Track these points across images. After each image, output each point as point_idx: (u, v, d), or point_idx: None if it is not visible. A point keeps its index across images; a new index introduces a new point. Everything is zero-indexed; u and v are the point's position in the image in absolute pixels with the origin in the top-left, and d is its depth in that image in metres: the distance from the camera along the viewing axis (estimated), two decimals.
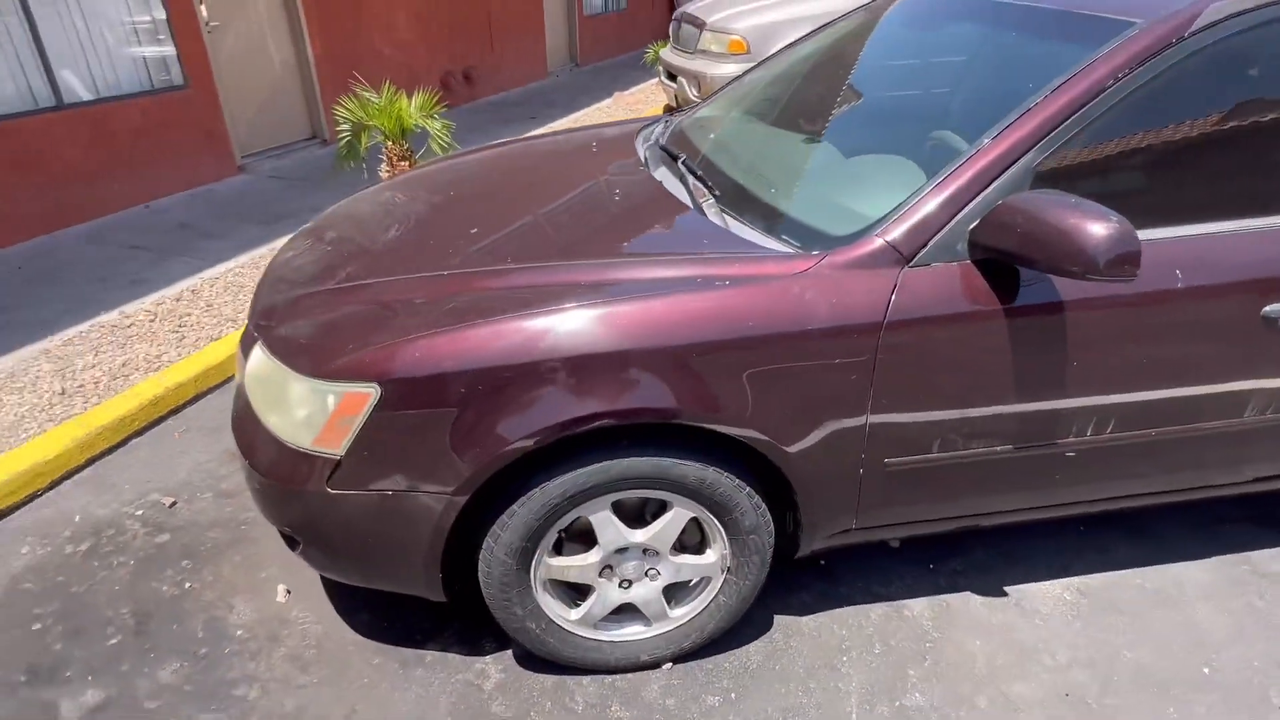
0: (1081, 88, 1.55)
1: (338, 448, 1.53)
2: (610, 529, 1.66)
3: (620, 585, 1.76)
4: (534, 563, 1.66)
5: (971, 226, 1.53)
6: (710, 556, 1.76)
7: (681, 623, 1.84)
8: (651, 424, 1.54)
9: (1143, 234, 1.60)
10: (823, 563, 2.20)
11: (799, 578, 2.15)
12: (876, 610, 2.05)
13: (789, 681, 1.85)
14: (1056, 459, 1.75)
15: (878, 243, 1.55)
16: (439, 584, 1.67)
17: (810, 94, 2.30)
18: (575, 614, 1.77)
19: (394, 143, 4.83)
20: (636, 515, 1.73)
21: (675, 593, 1.85)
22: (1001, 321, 1.55)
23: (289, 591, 2.10)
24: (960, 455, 1.69)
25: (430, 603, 1.80)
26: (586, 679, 1.86)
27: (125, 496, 2.47)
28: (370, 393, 1.48)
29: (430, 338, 1.49)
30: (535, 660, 1.89)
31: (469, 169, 2.45)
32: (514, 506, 1.57)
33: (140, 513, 2.40)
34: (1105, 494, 1.89)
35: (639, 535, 1.68)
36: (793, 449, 1.60)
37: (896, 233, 1.55)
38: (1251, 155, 1.64)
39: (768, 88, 2.48)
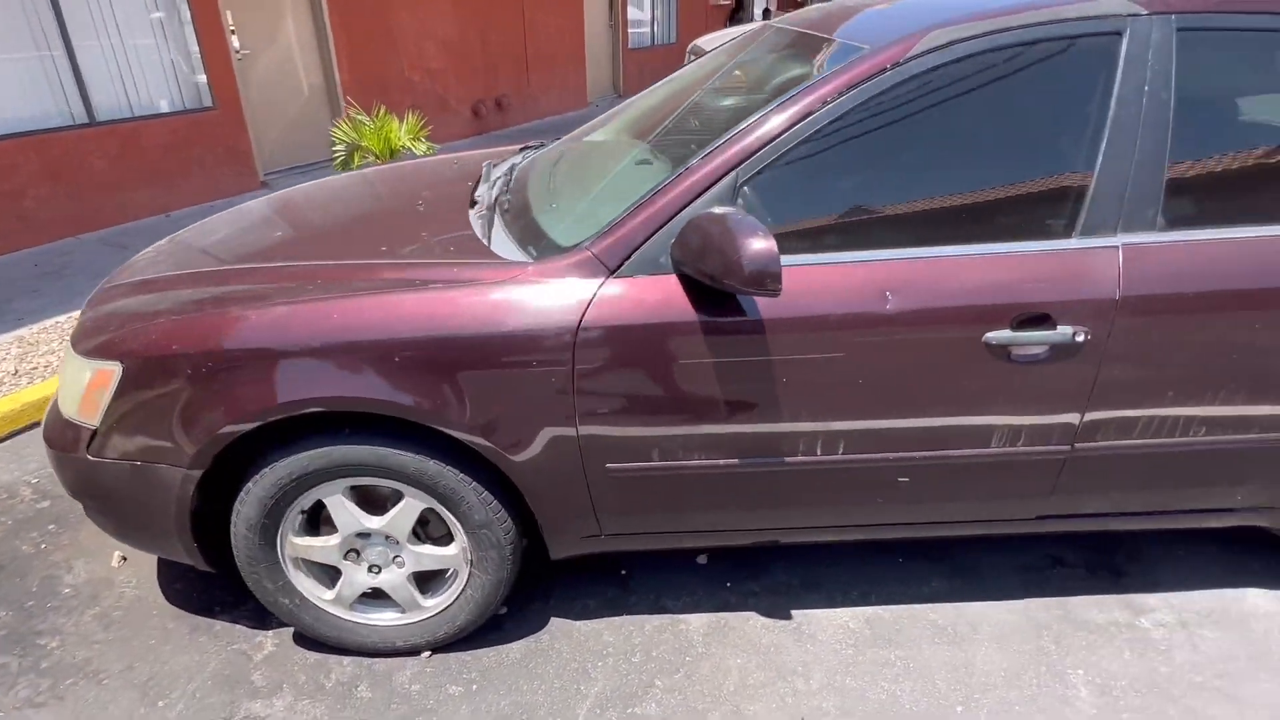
0: (790, 111, 1.59)
1: (94, 419, 1.71)
2: (344, 513, 1.77)
3: (369, 570, 1.86)
4: (279, 540, 1.79)
5: (672, 242, 1.59)
6: (452, 549, 1.84)
7: (435, 613, 1.92)
8: (379, 415, 1.66)
9: (851, 255, 1.61)
10: (624, 572, 2.24)
11: (594, 584, 2.19)
12: (655, 621, 2.07)
13: (535, 680, 1.90)
14: (791, 477, 1.76)
15: (584, 254, 1.62)
16: (196, 552, 1.82)
17: (634, 121, 2.38)
18: (329, 594, 1.89)
19: (384, 162, 5.15)
20: (384, 503, 1.83)
21: (430, 583, 1.94)
22: (700, 336, 1.59)
23: (124, 559, 2.30)
24: (684, 466, 1.72)
25: (240, 578, 1.93)
26: (348, 660, 1.96)
27: (29, 467, 2.75)
28: (115, 370, 1.66)
29: (165, 323, 1.66)
30: (310, 639, 2.01)
31: (345, 184, 2.64)
32: (249, 484, 1.71)
33: (35, 481, 2.67)
34: (858, 520, 1.87)
35: (374, 522, 1.78)
36: (513, 454, 1.67)
37: (602, 245, 1.62)
38: (964, 180, 1.63)
39: (616, 117, 2.57)
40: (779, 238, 1.62)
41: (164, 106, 5.62)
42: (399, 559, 1.85)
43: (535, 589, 2.18)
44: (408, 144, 5.16)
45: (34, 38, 4.82)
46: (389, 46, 7.40)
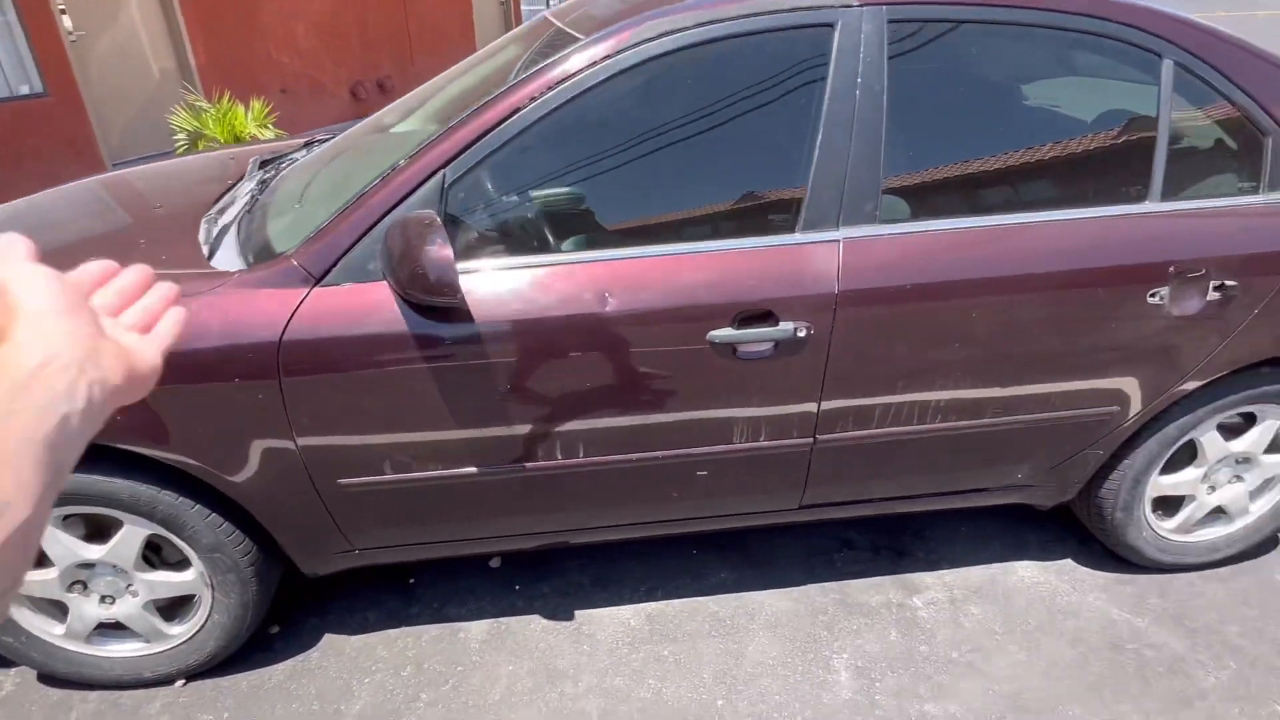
0: (499, 108, 1.53)
1: None
2: (56, 545, 1.65)
3: (102, 601, 1.75)
4: None
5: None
6: (189, 574, 1.74)
7: (183, 640, 1.82)
8: None
9: (568, 257, 1.57)
10: (411, 580, 2.18)
11: (377, 594, 2.13)
12: (434, 631, 2.02)
13: (294, 702, 1.83)
14: (537, 482, 1.72)
15: (287, 263, 1.53)
16: None
17: (415, 109, 2.28)
18: (59, 629, 1.77)
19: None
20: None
21: (180, 610, 1.84)
22: (413, 345, 1.52)
23: None
24: (420, 477, 1.66)
25: None
26: (94, 695, 1.85)
27: None
28: None
29: None
30: (52, 677, 1.88)
31: (104, 182, 2.45)
32: None
33: None
34: (614, 520, 1.85)
35: (95, 552, 1.67)
36: (231, 475, 1.58)
37: (306, 253, 1.53)
38: (683, 177, 1.61)
39: (415, 100, 2.46)
40: (492, 240, 1.56)
41: None
42: (132, 588, 1.75)
43: (312, 604, 2.10)
44: (254, 131, 4.90)
45: None
46: (251, 26, 7.01)
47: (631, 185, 1.61)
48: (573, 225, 1.60)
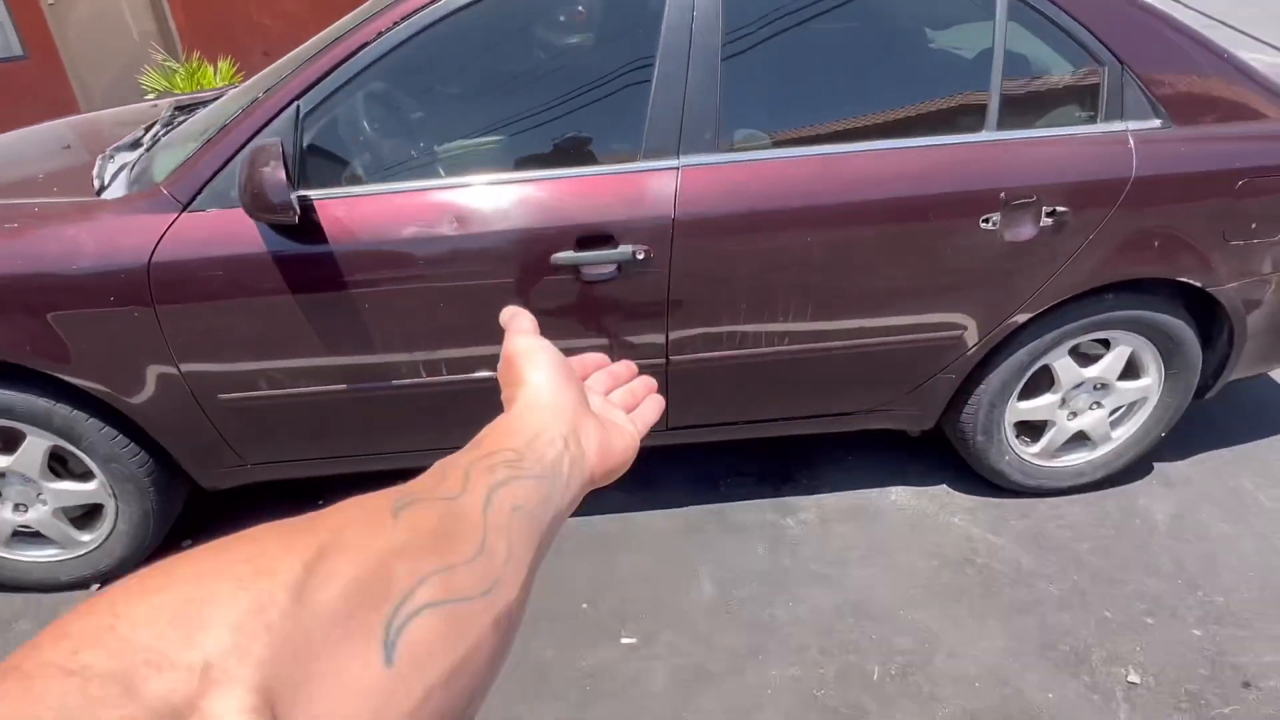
0: (348, 42, 1.63)
1: None
2: None
3: (15, 508, 1.92)
4: None
5: None
6: (93, 484, 1.90)
7: (94, 547, 1.98)
8: None
9: (418, 184, 1.68)
10: (320, 502, 2.32)
11: (288, 514, 2.28)
12: None
13: None
14: (403, 401, 1.85)
15: (157, 190, 1.66)
16: None
17: None
18: None
19: None
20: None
21: (91, 520, 2.00)
22: (272, 266, 1.64)
23: None
24: (293, 393, 1.79)
25: None
26: (19, 597, 2.02)
27: None
28: None
29: None
30: None
31: (46, 128, 2.58)
32: None
33: None
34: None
35: (2, 462, 1.83)
36: (123, 393, 1.72)
37: (174, 181, 1.66)
38: (528, 110, 1.70)
39: None
40: (346, 167, 1.68)
41: None
42: (41, 496, 1.91)
43: (225, 522, 2.25)
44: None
45: None
46: None
47: (478, 117, 1.71)
48: (428, 153, 1.71)
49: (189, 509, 2.16)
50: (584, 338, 1.79)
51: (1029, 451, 2.21)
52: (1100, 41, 1.78)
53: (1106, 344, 2.08)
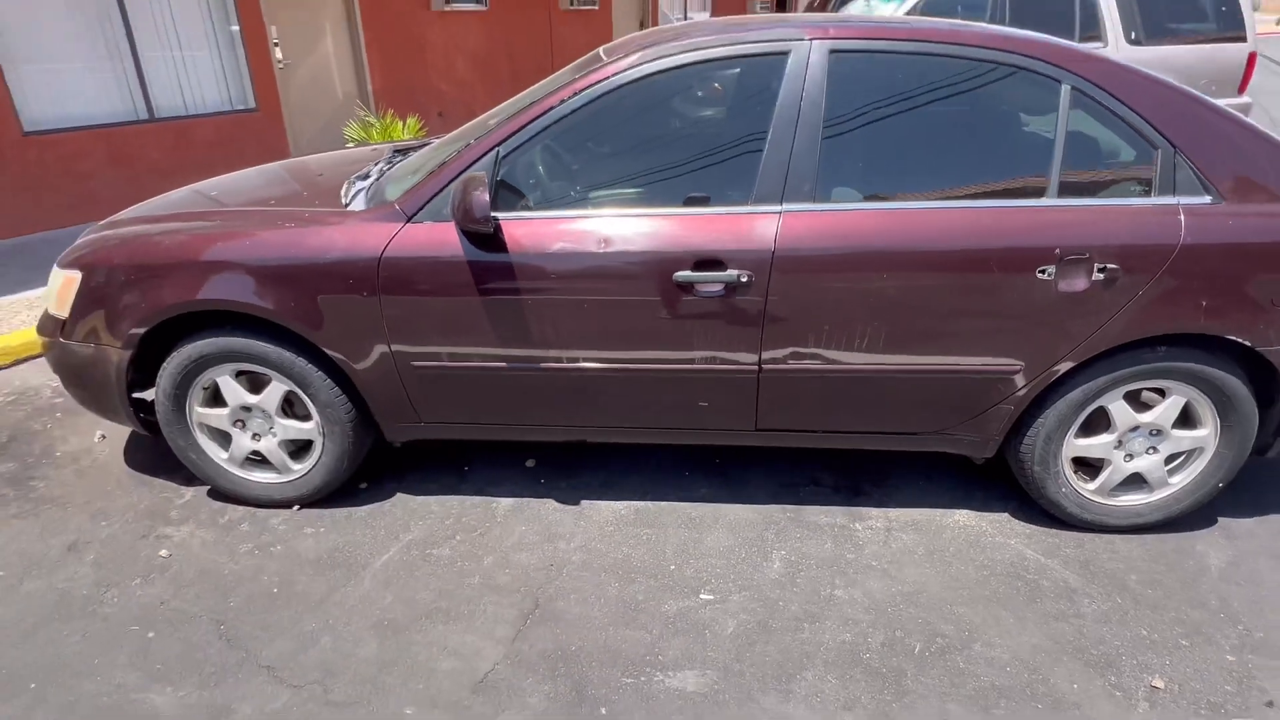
0: (537, 109, 2.20)
1: (64, 312, 2.43)
2: (230, 390, 2.44)
3: (253, 437, 2.53)
4: (187, 408, 2.48)
5: None
6: (309, 424, 2.49)
7: (300, 475, 2.57)
8: (254, 316, 2.32)
9: (580, 212, 2.20)
10: (465, 468, 2.85)
11: (439, 474, 2.81)
12: (475, 500, 2.67)
13: (368, 529, 2.53)
14: (551, 379, 2.33)
15: (391, 206, 2.26)
16: (134, 417, 2.53)
17: None
18: (224, 454, 2.57)
19: None
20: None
21: (301, 455, 2.59)
22: (466, 267, 2.19)
23: (103, 436, 3.05)
24: (470, 365, 2.32)
25: None
26: (242, 509, 2.63)
27: (51, 375, 3.56)
28: (76, 276, 2.38)
29: (114, 243, 2.37)
30: (219, 495, 2.68)
31: (299, 161, 3.34)
32: (165, 364, 2.40)
33: (55, 384, 3.47)
34: (618, 421, 2.43)
35: (252, 399, 2.45)
36: (343, 355, 2.31)
37: (404, 199, 2.25)
38: (668, 161, 2.19)
39: None
40: (529, 198, 2.22)
41: (213, 107, 6.57)
42: (273, 429, 2.52)
43: (392, 474, 2.81)
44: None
45: (108, 49, 5.81)
46: (418, 59, 8.27)
47: (629, 166, 2.22)
48: (585, 191, 2.23)
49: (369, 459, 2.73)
50: (694, 338, 2.23)
51: (1086, 487, 2.43)
52: (1155, 129, 2.10)
53: (1163, 393, 2.30)
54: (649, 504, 2.65)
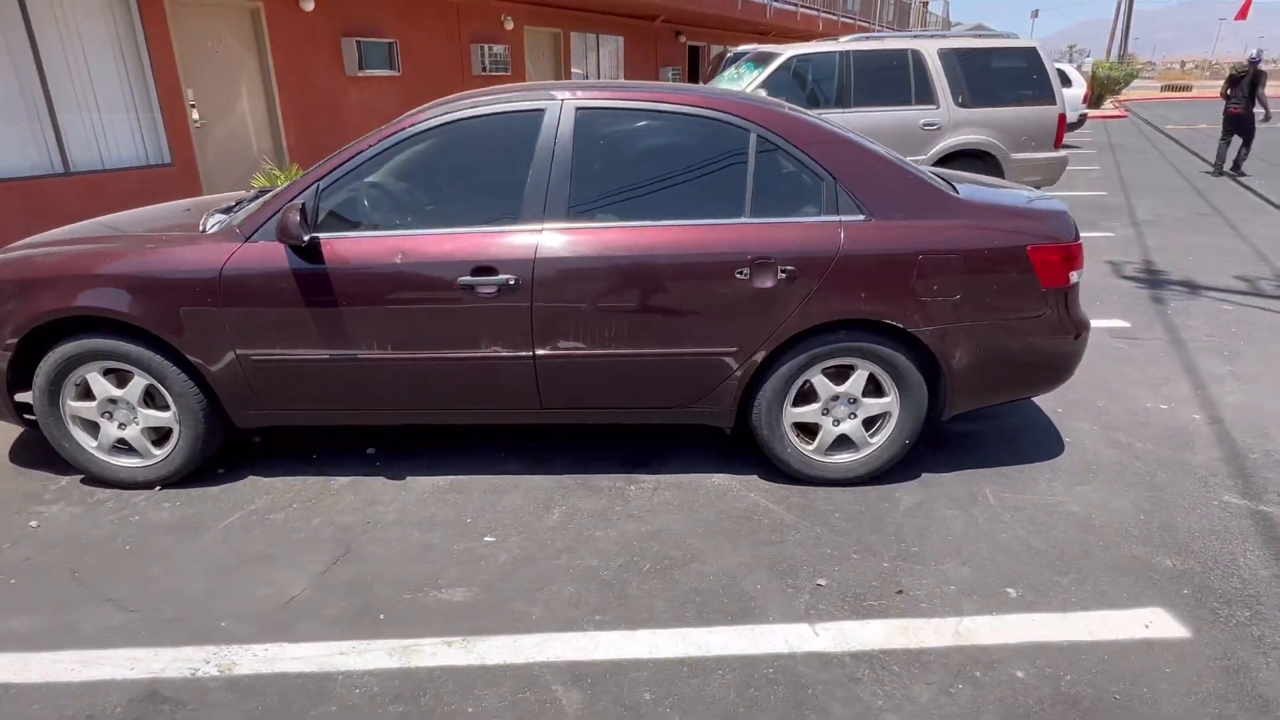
0: (350, 152, 2.79)
1: None
2: (99, 385, 2.91)
3: (119, 426, 2.99)
4: (60, 402, 2.93)
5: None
6: (168, 414, 2.97)
7: (160, 459, 3.03)
8: (119, 321, 2.82)
9: (382, 233, 2.78)
10: (314, 456, 3.33)
11: (289, 461, 3.29)
12: (316, 480, 3.15)
13: (217, 503, 2.98)
14: (366, 370, 2.87)
15: (232, 229, 2.81)
16: (12, 412, 2.97)
17: None
18: (94, 442, 3.01)
19: None
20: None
21: (163, 441, 3.05)
22: (292, 278, 2.74)
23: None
24: (298, 356, 2.84)
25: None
26: (109, 491, 3.06)
27: None
28: None
29: (4, 261, 2.87)
30: (91, 481, 3.11)
31: (184, 201, 3.86)
32: (40, 364, 2.87)
33: None
34: (422, 405, 2.96)
35: (118, 392, 2.92)
36: (190, 353, 2.82)
37: (243, 224, 2.81)
38: (451, 191, 2.80)
39: None
40: (342, 221, 2.80)
41: (130, 162, 7.05)
42: (136, 419, 2.98)
43: (246, 463, 3.28)
44: None
45: (26, 109, 6.28)
46: (333, 119, 8.89)
47: (425, 194, 2.82)
48: (391, 214, 2.82)
49: (223, 446, 3.20)
50: (481, 338, 2.80)
51: (808, 448, 3.04)
52: (820, 165, 2.79)
53: (853, 369, 2.95)
54: (463, 477, 3.17)
